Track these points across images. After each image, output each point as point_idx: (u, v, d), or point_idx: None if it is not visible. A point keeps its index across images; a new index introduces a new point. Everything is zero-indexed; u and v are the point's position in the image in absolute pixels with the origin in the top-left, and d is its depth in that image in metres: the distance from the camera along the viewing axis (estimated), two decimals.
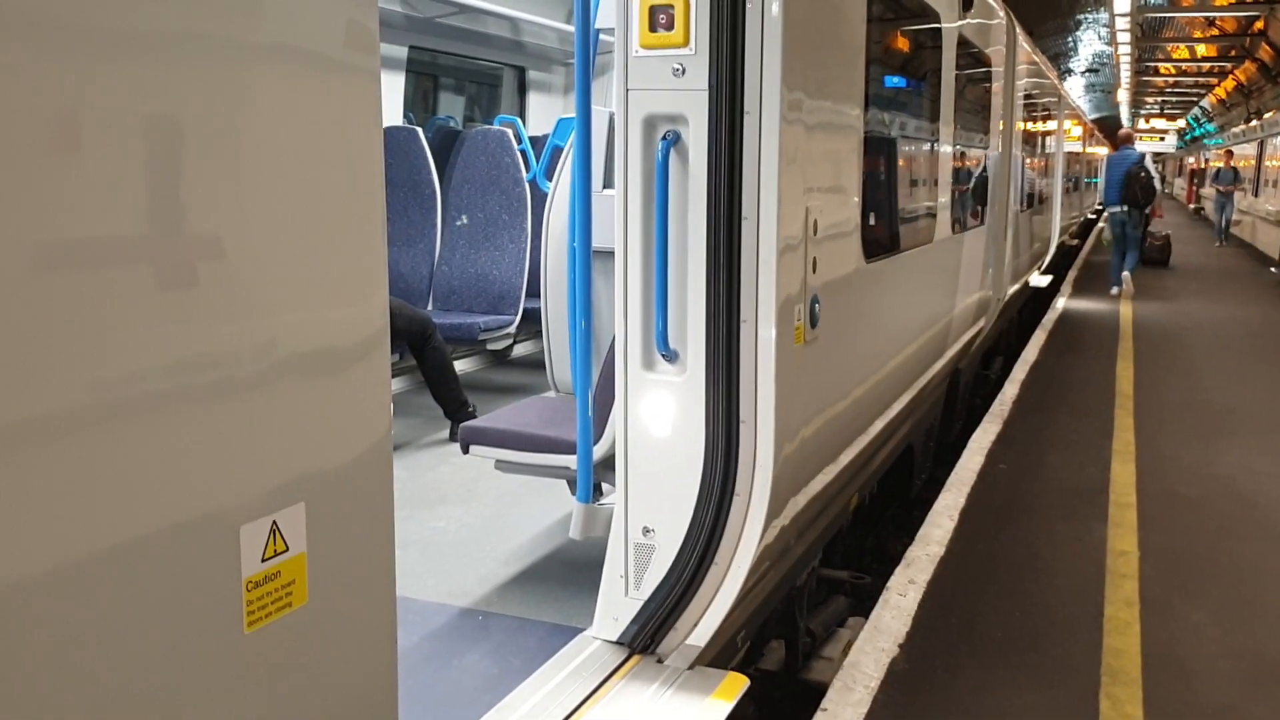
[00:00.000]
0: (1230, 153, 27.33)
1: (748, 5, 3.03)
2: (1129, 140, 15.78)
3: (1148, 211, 15.26)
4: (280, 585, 1.52)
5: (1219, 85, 35.19)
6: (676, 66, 3.09)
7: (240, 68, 1.44)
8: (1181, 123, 53.27)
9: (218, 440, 1.42)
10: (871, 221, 4.23)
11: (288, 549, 1.53)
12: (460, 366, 7.45)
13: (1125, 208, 14.64)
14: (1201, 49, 29.61)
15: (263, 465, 1.50)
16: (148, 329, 1.32)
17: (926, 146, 5.64)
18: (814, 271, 3.44)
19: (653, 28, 3.09)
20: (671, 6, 3.06)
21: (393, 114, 7.41)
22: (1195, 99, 42.78)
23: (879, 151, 4.53)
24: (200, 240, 1.39)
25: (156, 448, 1.34)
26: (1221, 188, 24.56)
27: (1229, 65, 30.78)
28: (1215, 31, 26.22)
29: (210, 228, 1.40)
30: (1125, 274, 14.80)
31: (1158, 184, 15.20)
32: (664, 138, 3.12)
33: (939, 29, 5.51)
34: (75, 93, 1.23)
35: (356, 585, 1.69)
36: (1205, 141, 44.07)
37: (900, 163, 5.09)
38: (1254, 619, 4.34)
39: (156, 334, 1.33)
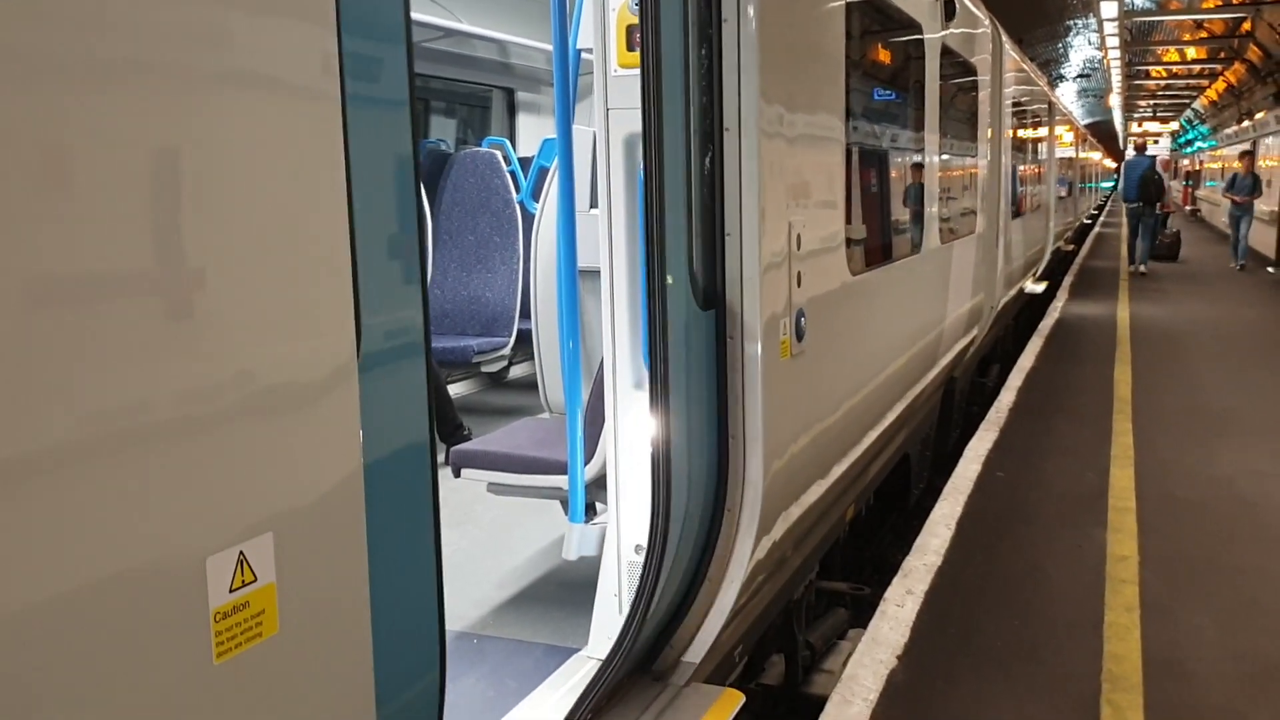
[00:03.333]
0: (1250, 155, 20.42)
1: (723, 23, 3.04)
2: (1142, 148, 19.92)
3: (1159, 207, 18.76)
4: (250, 615, 1.51)
5: (1210, 87, 35.30)
6: None
7: (213, 97, 1.43)
8: (1174, 125, 53.42)
9: (183, 471, 1.41)
10: (857, 234, 4.23)
11: (256, 579, 1.52)
12: (456, 390, 7.45)
13: (1141, 203, 18.17)
14: (1191, 51, 29.73)
15: (229, 496, 1.48)
16: (111, 363, 1.31)
17: (912, 157, 5.64)
18: (799, 286, 3.44)
19: (630, 47, 3.10)
20: None
21: None
22: (1187, 101, 42.91)
23: (863, 164, 4.53)
24: (167, 273, 1.38)
25: (119, 479, 1.33)
26: (1238, 198, 18.77)
27: (1219, 67, 30.90)
28: (1204, 34, 26.33)
29: (178, 260, 1.40)
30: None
31: (1167, 184, 19.33)
32: None
33: (921, 39, 5.53)
34: (59, 125, 1.22)
35: (329, 614, 1.68)
36: (1196, 145, 44.08)
37: (885, 174, 5.09)
38: (1255, 621, 4.32)
39: (120, 368, 1.32)
